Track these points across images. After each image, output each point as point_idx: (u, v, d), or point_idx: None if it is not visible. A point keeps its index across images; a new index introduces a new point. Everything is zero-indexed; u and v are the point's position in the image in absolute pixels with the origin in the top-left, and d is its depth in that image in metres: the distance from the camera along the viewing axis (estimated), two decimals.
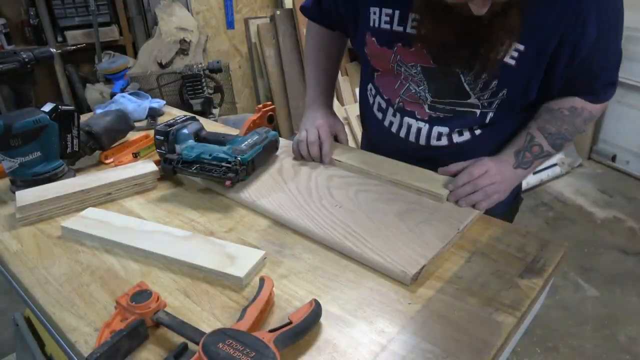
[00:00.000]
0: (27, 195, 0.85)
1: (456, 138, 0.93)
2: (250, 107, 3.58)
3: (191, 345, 0.55)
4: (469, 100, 0.88)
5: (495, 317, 0.60)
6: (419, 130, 0.95)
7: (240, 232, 0.80)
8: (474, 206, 0.82)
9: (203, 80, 2.62)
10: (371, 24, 0.91)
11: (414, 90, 0.92)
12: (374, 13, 0.90)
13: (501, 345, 0.56)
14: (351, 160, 0.98)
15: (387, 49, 0.91)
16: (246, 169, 0.87)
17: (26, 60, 1.19)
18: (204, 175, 0.86)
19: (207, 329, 0.57)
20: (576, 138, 0.91)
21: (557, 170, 3.10)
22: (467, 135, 0.93)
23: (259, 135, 0.96)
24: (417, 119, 0.94)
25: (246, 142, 0.93)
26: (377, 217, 0.79)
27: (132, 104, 1.37)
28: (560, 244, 0.74)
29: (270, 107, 1.17)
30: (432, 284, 0.66)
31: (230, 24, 3.39)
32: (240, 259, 0.70)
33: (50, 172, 0.96)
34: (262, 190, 0.89)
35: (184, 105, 2.62)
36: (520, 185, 1.08)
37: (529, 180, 2.98)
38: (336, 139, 1.07)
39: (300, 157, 1.01)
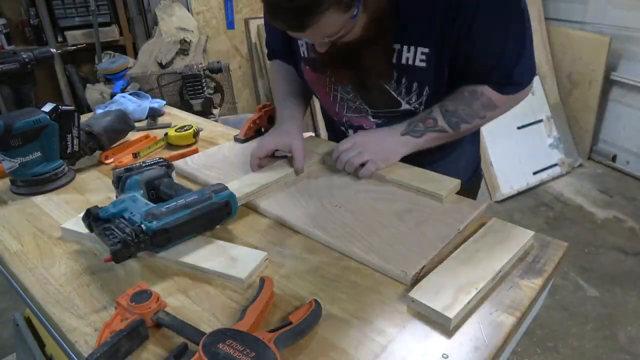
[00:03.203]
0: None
1: None
2: (250, 107, 3.58)
3: (191, 345, 0.55)
4: (401, 108, 0.96)
5: (495, 317, 0.60)
6: None
7: (241, 232, 0.80)
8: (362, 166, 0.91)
9: (203, 80, 2.62)
10: (302, 55, 1.00)
11: (354, 107, 1.01)
12: (302, 45, 0.98)
13: (501, 345, 0.56)
14: None
15: (321, 74, 1.00)
16: (150, 239, 0.68)
17: (26, 60, 1.19)
18: (102, 240, 0.69)
19: (207, 329, 0.57)
20: (476, 123, 0.94)
21: (557, 170, 3.10)
22: None
23: (198, 196, 0.74)
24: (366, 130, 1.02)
25: (173, 204, 0.72)
26: (377, 218, 0.79)
27: (132, 104, 1.37)
28: (560, 244, 0.74)
29: (270, 107, 1.17)
30: None
31: (230, 24, 3.39)
32: (241, 261, 0.70)
33: (51, 172, 0.96)
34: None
35: (184, 105, 2.61)
36: (478, 162, 1.18)
37: (529, 181, 2.98)
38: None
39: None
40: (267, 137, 1.00)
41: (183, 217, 0.71)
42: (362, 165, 0.91)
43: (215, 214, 0.75)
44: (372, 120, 1.01)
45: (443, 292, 0.61)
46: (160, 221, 0.69)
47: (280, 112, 1.07)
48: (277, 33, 1.03)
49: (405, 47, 0.87)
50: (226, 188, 0.77)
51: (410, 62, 0.88)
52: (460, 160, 1.11)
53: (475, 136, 1.13)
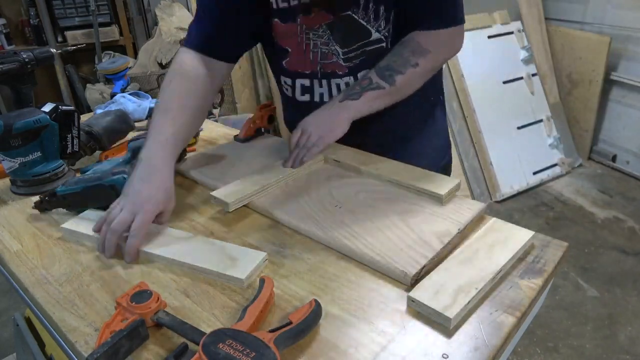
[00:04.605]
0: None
1: None
2: (250, 107, 3.58)
3: (191, 345, 0.55)
4: (372, 38, 0.95)
5: (495, 317, 0.60)
6: (347, 84, 1.00)
7: (241, 232, 0.80)
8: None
9: None
10: (274, 7, 0.96)
11: (325, 50, 0.99)
12: None
13: (501, 345, 0.56)
14: (350, 160, 0.98)
15: (292, 23, 0.97)
16: (57, 202, 0.86)
17: (26, 60, 1.19)
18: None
19: (207, 329, 0.57)
20: (411, 74, 0.92)
21: (557, 170, 3.10)
22: None
23: (99, 174, 0.86)
24: (340, 77, 1.00)
25: (85, 177, 0.87)
26: (377, 217, 0.79)
27: (132, 104, 1.37)
28: (561, 244, 0.74)
29: (271, 107, 1.17)
30: None
31: None
32: (241, 260, 0.70)
33: (51, 172, 0.96)
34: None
35: None
36: (447, 144, 1.18)
37: (529, 181, 2.98)
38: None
39: (101, 247, 0.74)
40: (139, 200, 0.75)
41: (76, 189, 0.84)
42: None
43: (101, 194, 0.84)
44: (343, 64, 0.99)
45: (443, 292, 0.61)
46: (66, 189, 0.84)
47: (153, 140, 0.84)
48: (214, 6, 0.94)
49: None
50: (123, 172, 0.85)
51: None
52: (439, 138, 1.15)
53: (443, 113, 1.17)
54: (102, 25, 2.96)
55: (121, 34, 3.10)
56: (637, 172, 3.02)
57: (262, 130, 1.17)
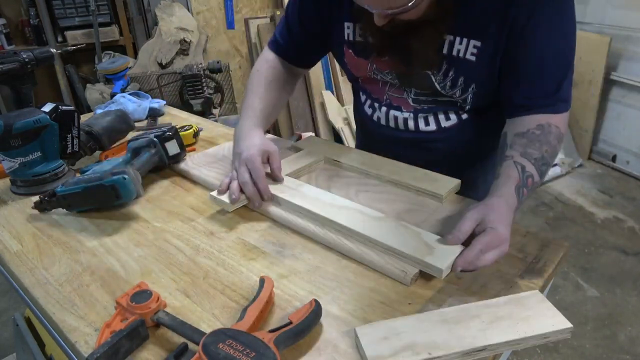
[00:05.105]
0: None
1: (444, 122, 0.96)
2: None
3: (191, 345, 0.55)
4: (444, 99, 0.92)
5: None
6: (405, 120, 0.98)
7: (241, 232, 0.80)
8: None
9: (203, 80, 2.62)
10: (346, 38, 0.96)
11: (394, 90, 0.97)
12: (348, 27, 0.95)
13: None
14: (351, 161, 0.98)
15: (364, 59, 0.96)
16: (57, 202, 0.85)
17: (26, 60, 1.19)
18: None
19: (207, 329, 0.57)
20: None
21: (557, 170, 3.10)
22: (454, 119, 0.95)
23: (99, 174, 0.84)
24: (402, 111, 0.98)
25: (85, 177, 0.86)
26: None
27: (132, 104, 1.37)
28: (561, 244, 0.74)
29: None
30: (432, 284, 0.66)
31: (230, 24, 3.39)
32: (438, 250, 0.67)
33: (51, 172, 0.96)
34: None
35: (184, 105, 2.62)
36: None
37: None
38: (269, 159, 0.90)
39: (237, 199, 0.83)
40: (244, 157, 0.87)
41: (76, 189, 0.84)
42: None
43: (101, 194, 0.83)
44: (411, 104, 0.96)
45: (391, 340, 0.54)
46: (66, 189, 0.84)
47: (245, 114, 0.97)
48: (297, 22, 1.01)
49: (457, 39, 0.84)
50: (123, 172, 0.82)
51: (461, 54, 0.85)
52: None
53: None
54: (102, 25, 2.96)
55: (121, 34, 3.11)
56: (637, 172, 3.02)
57: None
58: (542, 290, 0.65)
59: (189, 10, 3.19)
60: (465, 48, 0.84)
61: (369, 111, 1.05)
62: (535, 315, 0.58)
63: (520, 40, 0.80)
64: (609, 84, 3.04)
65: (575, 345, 1.82)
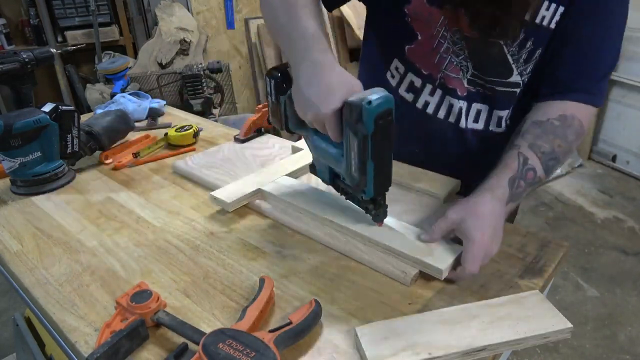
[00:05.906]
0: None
1: (492, 126, 0.89)
2: (250, 107, 3.58)
3: (191, 345, 0.55)
4: (510, 79, 0.82)
5: None
6: (460, 110, 0.86)
7: (241, 232, 0.80)
8: None
9: (203, 80, 2.62)
10: None
11: (455, 62, 0.83)
12: None
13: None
14: None
15: (437, 9, 0.80)
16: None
17: (26, 60, 1.19)
18: None
19: (207, 329, 0.57)
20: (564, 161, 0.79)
21: (557, 170, 3.10)
22: (503, 127, 0.89)
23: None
24: (456, 97, 0.86)
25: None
26: None
27: (132, 104, 1.37)
28: (561, 244, 0.74)
29: None
30: (432, 285, 0.66)
31: (230, 24, 3.39)
32: (438, 250, 0.67)
33: (51, 172, 0.96)
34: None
35: (184, 105, 2.62)
36: None
37: None
38: None
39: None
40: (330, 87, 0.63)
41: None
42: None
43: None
44: (465, 86, 0.85)
45: (391, 340, 0.54)
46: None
47: (312, 36, 0.67)
48: None
49: (546, 3, 0.73)
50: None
51: (545, 22, 0.75)
52: None
53: None
54: (102, 25, 2.96)
55: (121, 34, 3.11)
56: (637, 172, 3.02)
57: (262, 130, 1.17)
58: (542, 290, 0.65)
59: (189, 10, 3.19)
60: (552, 15, 0.74)
61: (407, 97, 0.90)
62: (535, 315, 0.58)
63: (595, 7, 0.73)
64: (609, 84, 3.04)
65: (575, 345, 1.82)
